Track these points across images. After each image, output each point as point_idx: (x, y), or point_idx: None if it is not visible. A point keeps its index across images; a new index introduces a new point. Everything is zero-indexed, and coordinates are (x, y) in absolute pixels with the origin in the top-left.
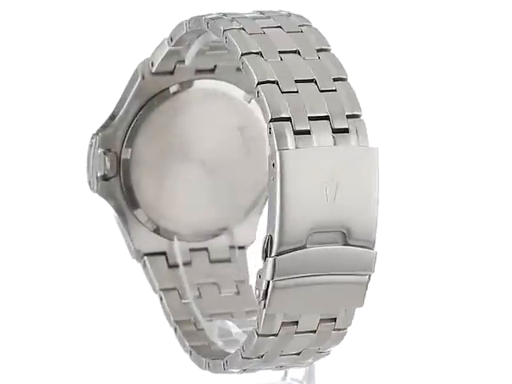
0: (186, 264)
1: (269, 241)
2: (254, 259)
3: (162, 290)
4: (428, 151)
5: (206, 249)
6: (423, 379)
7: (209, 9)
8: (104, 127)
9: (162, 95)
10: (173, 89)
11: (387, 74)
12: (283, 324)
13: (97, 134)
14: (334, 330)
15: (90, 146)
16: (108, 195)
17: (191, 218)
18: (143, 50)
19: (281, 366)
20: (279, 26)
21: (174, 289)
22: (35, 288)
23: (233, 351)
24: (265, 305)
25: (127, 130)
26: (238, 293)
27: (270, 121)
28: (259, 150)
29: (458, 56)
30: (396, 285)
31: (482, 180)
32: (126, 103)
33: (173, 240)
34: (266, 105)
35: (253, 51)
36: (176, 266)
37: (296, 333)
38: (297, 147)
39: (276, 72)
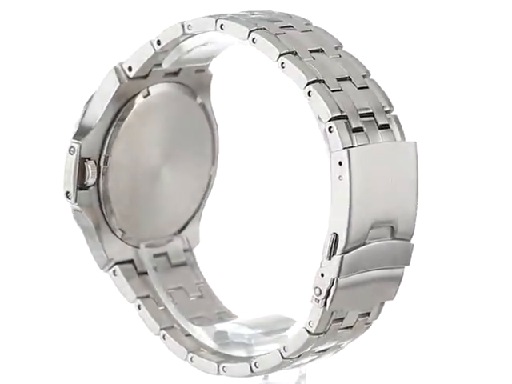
0: (154, 270)
1: (334, 239)
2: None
3: (139, 298)
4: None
5: (166, 253)
6: (417, 379)
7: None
8: (81, 135)
9: (134, 100)
10: (143, 93)
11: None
12: (333, 321)
13: (75, 142)
14: (365, 324)
15: (71, 154)
16: (86, 205)
17: (156, 224)
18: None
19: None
20: (291, 26)
21: (148, 296)
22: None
23: (233, 353)
24: (326, 303)
25: (105, 138)
26: (201, 296)
27: (330, 119)
28: (206, 153)
29: (451, 53)
30: None
31: (482, 180)
32: (103, 110)
33: (139, 247)
34: (324, 103)
35: (290, 51)
36: (145, 273)
37: (339, 329)
38: (358, 145)
39: (319, 71)
